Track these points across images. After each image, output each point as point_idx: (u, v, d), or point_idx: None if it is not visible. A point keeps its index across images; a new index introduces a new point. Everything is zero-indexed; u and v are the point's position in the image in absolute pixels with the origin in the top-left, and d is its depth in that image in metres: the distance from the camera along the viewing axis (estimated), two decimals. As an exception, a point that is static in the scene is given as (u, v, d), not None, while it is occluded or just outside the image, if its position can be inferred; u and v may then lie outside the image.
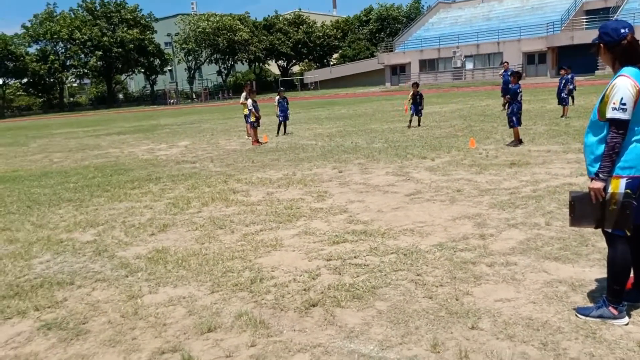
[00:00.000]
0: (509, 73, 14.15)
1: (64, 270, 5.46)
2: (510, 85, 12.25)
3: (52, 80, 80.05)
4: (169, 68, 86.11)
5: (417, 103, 16.75)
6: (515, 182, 8.02)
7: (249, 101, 15.64)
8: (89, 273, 5.34)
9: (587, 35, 40.57)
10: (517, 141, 11.42)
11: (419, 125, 16.83)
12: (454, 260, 4.89)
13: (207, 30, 74.87)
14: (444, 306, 3.97)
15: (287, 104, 17.67)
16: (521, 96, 11.77)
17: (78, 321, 4.22)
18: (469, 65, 55.50)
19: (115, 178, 11.22)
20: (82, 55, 78.06)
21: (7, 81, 79.28)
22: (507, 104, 12.55)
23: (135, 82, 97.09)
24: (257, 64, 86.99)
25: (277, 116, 17.69)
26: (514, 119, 11.47)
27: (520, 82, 11.85)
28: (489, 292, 4.19)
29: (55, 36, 74.61)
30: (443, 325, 3.69)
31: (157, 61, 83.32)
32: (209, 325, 3.90)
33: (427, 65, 59.09)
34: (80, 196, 9.45)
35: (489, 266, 4.71)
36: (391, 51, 63.79)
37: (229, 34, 75.50)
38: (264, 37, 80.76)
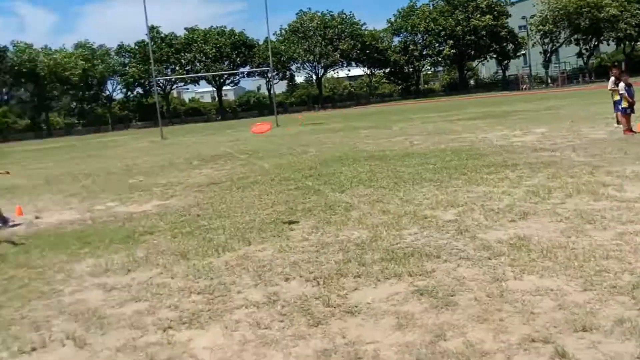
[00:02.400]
0: None
1: (430, 244, 5.86)
2: None
3: (410, 69, 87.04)
4: (523, 52, 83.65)
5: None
6: None
7: (621, 85, 13.97)
8: (453, 250, 5.60)
9: None
10: None
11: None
12: None
13: (568, 8, 69.81)
14: None
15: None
16: None
17: (446, 292, 4.47)
18: None
19: (471, 162, 11.48)
20: (437, 45, 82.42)
21: (373, 71, 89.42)
22: None
23: (486, 68, 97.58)
24: (627, 42, 77.01)
25: None
26: None
27: None
28: None
29: (414, 29, 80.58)
30: None
31: (510, 46, 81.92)
32: (583, 324, 3.64)
33: None
34: (440, 177, 9.98)
35: None
36: None
37: (592, 11, 68.88)
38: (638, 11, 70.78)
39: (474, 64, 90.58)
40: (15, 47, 76.05)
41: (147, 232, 7.68)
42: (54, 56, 74.90)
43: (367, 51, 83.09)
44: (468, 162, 11.57)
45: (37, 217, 9.88)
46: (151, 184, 12.90)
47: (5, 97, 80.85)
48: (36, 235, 8.23)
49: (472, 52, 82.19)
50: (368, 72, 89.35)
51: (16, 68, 72.49)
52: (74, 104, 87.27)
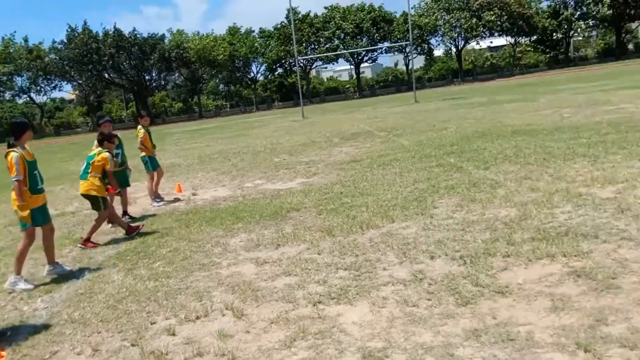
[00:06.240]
0: None
1: (586, 224, 5.48)
2: None
3: (560, 35, 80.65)
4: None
5: None
6: None
7: None
8: (612, 230, 5.19)
9: None
10: None
11: None
12: None
13: None
14: None
15: None
16: None
17: (607, 275, 4.18)
18: None
19: (632, 135, 10.45)
20: (591, 4, 75.43)
21: (517, 40, 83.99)
22: None
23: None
24: None
25: None
26: None
27: None
28: None
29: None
30: None
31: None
32: None
33: None
34: (595, 152, 9.22)
35: None
36: None
37: None
38: None
39: (634, 25, 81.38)
40: (171, 35, 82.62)
41: (294, 209, 8.04)
42: (203, 41, 79.78)
43: (512, 20, 78.31)
44: (628, 135, 10.54)
45: (193, 194, 10.78)
46: (295, 162, 13.44)
47: (163, 83, 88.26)
48: (194, 211, 9.00)
49: (633, 12, 73.93)
50: (512, 41, 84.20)
51: (170, 54, 78.44)
52: (222, 86, 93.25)
